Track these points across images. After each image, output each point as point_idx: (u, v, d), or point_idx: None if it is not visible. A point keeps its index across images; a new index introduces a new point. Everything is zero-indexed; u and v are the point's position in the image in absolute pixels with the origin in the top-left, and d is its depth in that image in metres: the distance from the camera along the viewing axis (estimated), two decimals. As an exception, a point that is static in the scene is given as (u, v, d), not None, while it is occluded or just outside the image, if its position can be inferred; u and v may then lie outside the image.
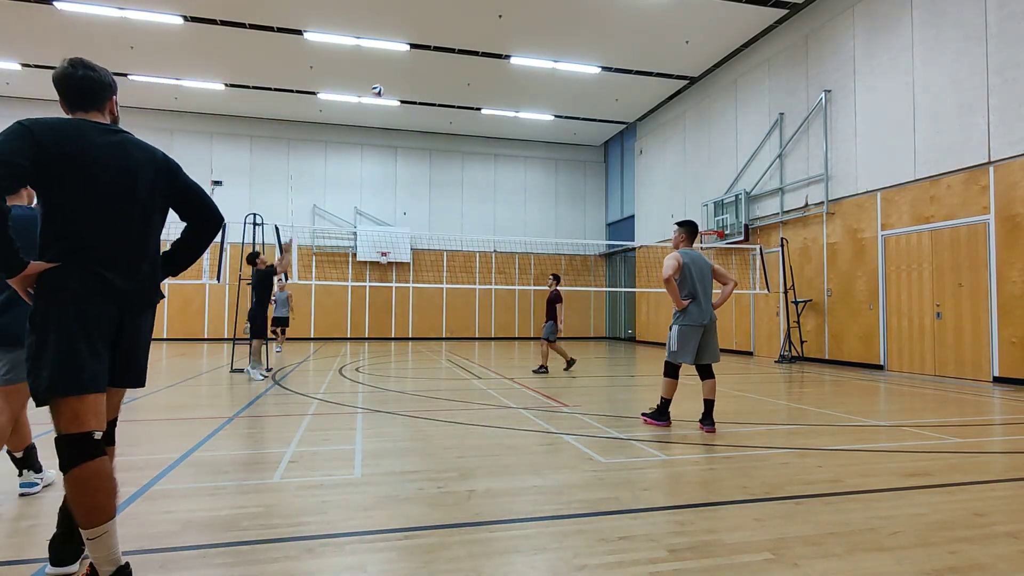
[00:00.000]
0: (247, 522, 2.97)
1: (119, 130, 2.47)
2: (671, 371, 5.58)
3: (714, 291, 5.81)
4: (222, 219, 2.65)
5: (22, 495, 3.42)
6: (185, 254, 2.55)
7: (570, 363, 10.63)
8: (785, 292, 12.99)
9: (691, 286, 5.53)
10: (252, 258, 9.54)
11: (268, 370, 9.50)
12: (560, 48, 15.01)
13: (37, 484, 3.47)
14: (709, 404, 5.38)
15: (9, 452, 3.40)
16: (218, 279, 10.82)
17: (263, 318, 9.43)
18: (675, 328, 5.54)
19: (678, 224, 5.83)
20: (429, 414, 6.12)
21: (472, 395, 7.59)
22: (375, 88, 11.76)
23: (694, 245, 5.87)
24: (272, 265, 9.66)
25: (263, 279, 9.46)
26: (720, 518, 3.06)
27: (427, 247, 21.49)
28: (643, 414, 5.80)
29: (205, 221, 2.54)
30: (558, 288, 10.62)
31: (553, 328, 10.41)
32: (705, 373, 5.50)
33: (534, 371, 10.36)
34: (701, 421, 5.37)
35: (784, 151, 13.71)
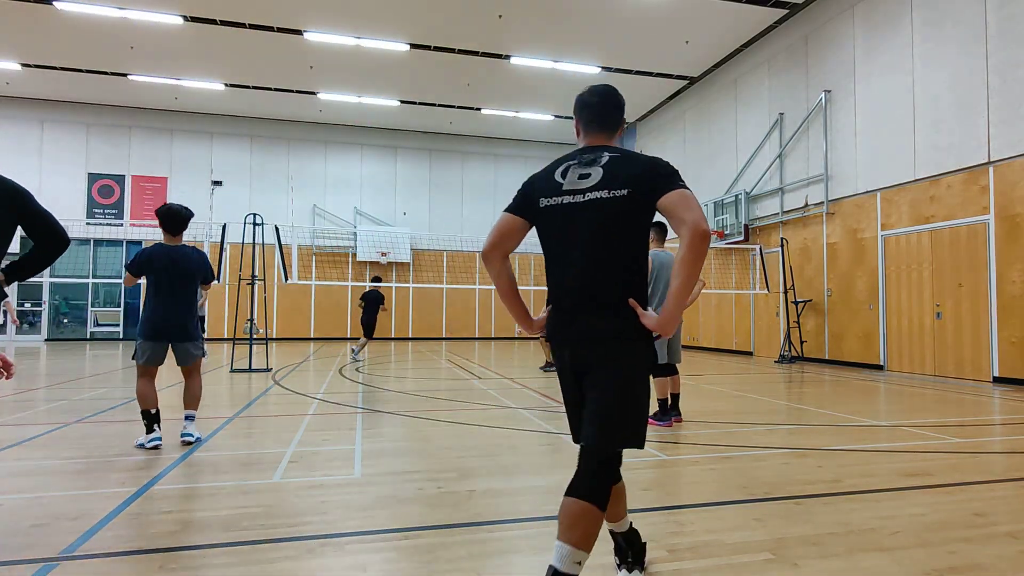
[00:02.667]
0: (247, 522, 2.97)
1: None
2: (656, 372, 5.70)
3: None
4: (67, 242, 2.99)
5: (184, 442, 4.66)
6: (28, 267, 2.91)
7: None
8: (785, 292, 12.99)
9: (661, 288, 5.68)
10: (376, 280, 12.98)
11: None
12: (560, 48, 15.01)
13: (192, 435, 4.73)
14: (675, 397, 5.75)
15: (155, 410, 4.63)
16: (217, 279, 10.82)
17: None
18: None
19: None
20: (429, 414, 6.12)
21: (472, 395, 7.59)
22: None
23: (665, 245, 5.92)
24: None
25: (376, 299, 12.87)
26: (720, 518, 3.06)
27: (427, 247, 21.49)
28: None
29: (49, 243, 2.89)
30: None
31: None
32: (672, 370, 5.77)
33: (541, 368, 10.84)
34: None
35: (784, 151, 13.71)
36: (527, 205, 2.21)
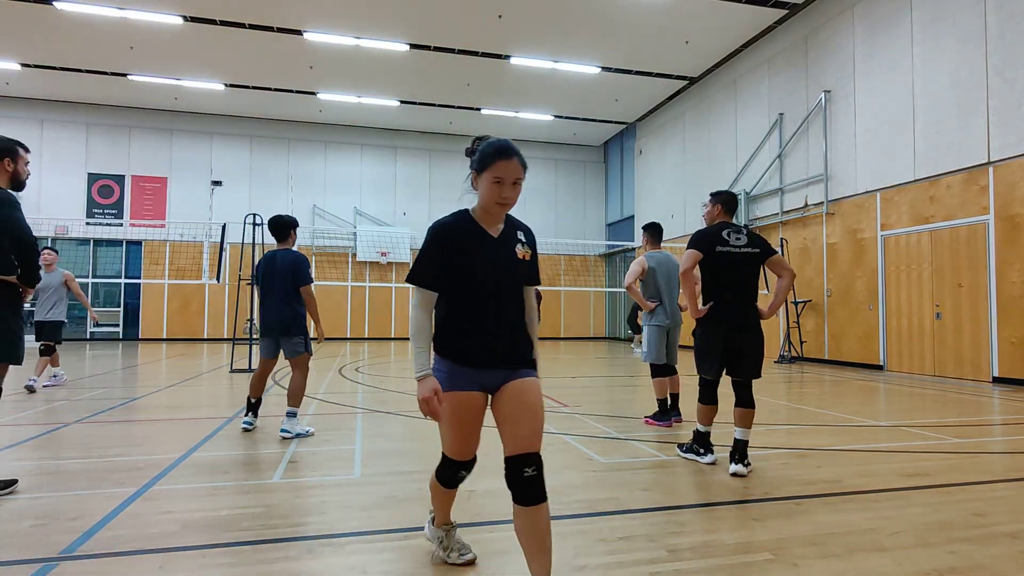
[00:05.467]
0: (247, 522, 2.96)
1: None
2: (656, 372, 5.69)
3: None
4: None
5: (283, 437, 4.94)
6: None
7: None
8: (785, 292, 12.99)
9: (654, 289, 5.70)
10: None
11: None
12: (560, 48, 15.00)
13: (251, 424, 5.22)
14: (674, 397, 5.71)
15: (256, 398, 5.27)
16: (217, 279, 10.82)
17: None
18: (645, 329, 5.75)
19: (643, 228, 6.04)
20: (429, 414, 6.11)
21: (472, 395, 7.57)
22: None
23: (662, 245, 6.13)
24: None
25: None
26: (720, 518, 3.06)
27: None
28: (646, 417, 5.82)
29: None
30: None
31: None
32: (671, 371, 5.75)
33: None
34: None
35: (784, 151, 13.71)
36: (706, 248, 4.04)
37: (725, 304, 4.02)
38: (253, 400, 5.23)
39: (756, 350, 4.01)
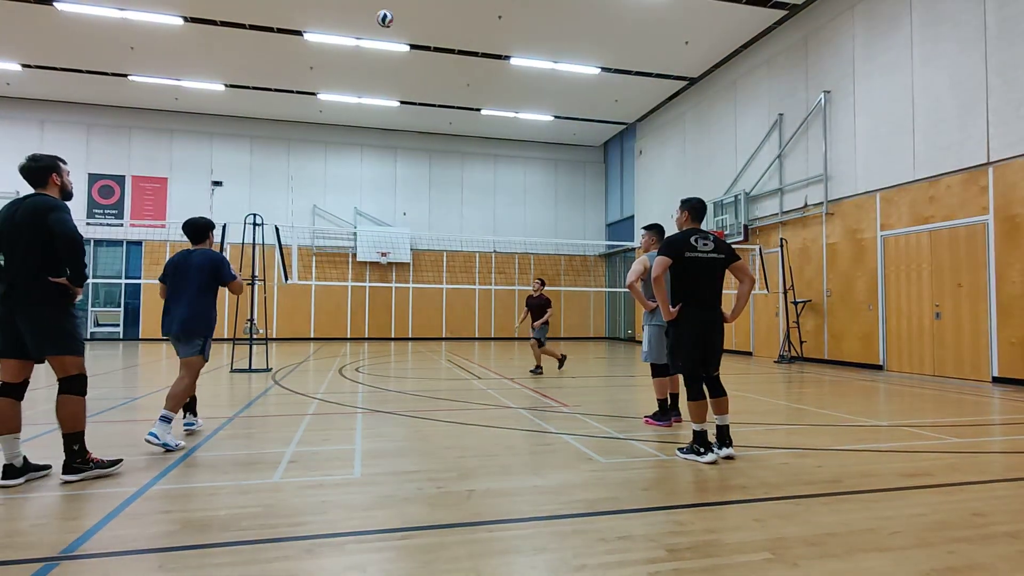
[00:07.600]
0: (247, 522, 2.97)
1: (30, 196, 3.72)
2: (656, 372, 5.67)
3: None
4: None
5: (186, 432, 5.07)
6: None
7: (561, 360, 10.72)
8: (784, 292, 12.99)
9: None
10: None
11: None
12: (560, 48, 15.01)
13: (193, 424, 5.18)
14: (675, 397, 5.71)
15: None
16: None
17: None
18: (646, 329, 5.72)
19: (644, 228, 6.03)
20: (429, 414, 6.12)
21: (472, 395, 7.59)
22: (383, 16, 9.92)
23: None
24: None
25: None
26: (720, 518, 3.06)
27: (427, 247, 21.49)
28: (646, 417, 5.81)
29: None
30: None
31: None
32: (671, 371, 5.64)
33: (531, 371, 10.50)
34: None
35: (783, 151, 13.71)
36: (675, 254, 4.33)
37: (696, 305, 4.38)
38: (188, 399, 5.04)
39: (720, 346, 4.46)
